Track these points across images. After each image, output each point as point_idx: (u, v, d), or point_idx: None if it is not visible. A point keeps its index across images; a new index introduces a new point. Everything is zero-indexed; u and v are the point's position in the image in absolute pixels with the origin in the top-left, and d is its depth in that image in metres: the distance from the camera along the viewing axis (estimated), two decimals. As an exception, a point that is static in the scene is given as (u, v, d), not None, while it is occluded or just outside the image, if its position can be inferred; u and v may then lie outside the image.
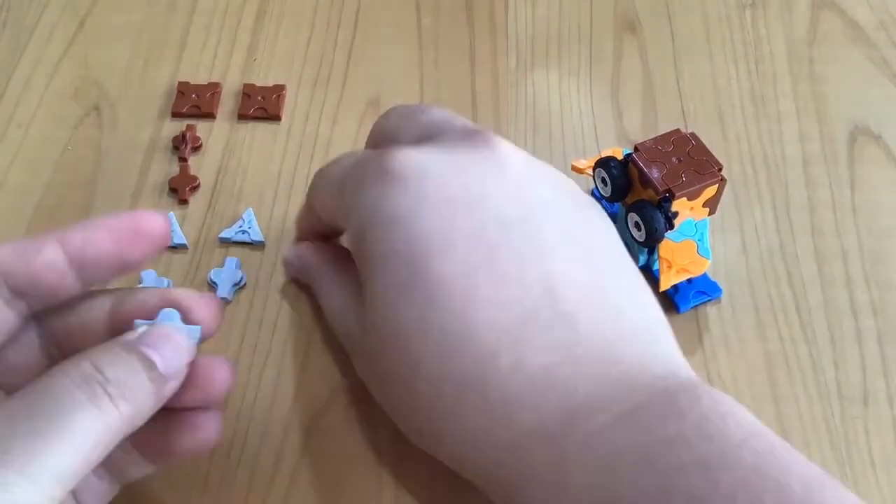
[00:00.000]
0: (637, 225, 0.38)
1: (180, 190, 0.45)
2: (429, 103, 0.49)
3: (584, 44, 0.52)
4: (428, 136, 0.34)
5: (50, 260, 0.29)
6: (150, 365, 0.27)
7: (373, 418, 0.37)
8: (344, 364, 0.39)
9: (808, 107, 0.48)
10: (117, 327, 0.30)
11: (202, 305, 0.31)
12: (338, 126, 0.48)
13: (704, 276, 0.41)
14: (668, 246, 0.39)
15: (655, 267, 0.40)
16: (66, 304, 0.31)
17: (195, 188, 0.45)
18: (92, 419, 0.25)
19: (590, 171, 0.42)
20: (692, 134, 0.39)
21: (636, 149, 0.39)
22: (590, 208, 0.34)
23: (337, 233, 0.40)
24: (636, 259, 0.40)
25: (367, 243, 0.31)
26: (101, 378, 0.26)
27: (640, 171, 0.38)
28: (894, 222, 0.44)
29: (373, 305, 0.31)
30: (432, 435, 0.31)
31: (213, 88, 0.49)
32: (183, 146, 0.46)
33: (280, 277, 0.42)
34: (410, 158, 0.32)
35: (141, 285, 0.41)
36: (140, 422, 0.27)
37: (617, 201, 0.40)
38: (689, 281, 0.41)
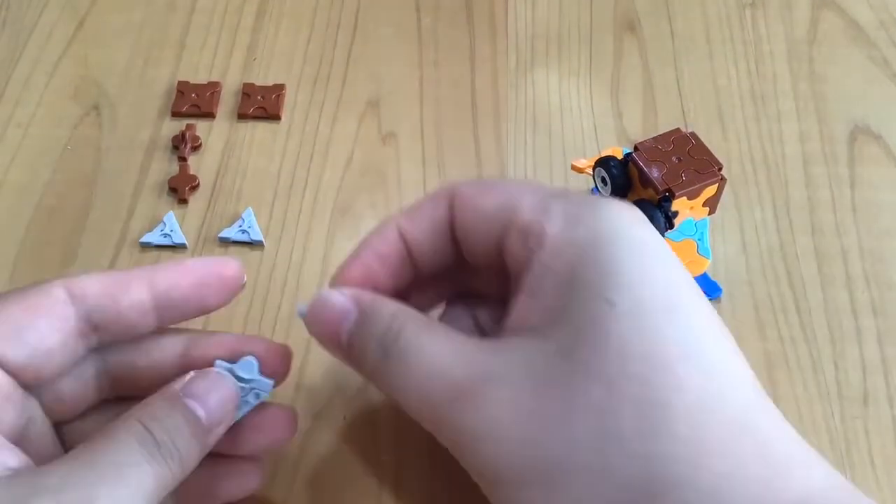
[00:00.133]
0: (637, 224, 0.38)
1: (180, 189, 0.45)
2: (429, 103, 0.49)
3: (584, 44, 0.51)
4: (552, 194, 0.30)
5: (136, 299, 0.29)
6: (194, 419, 0.27)
7: (373, 418, 0.37)
8: (344, 364, 0.39)
9: (808, 106, 0.48)
10: (187, 370, 0.30)
11: (277, 358, 0.31)
12: (337, 125, 0.48)
13: (704, 276, 0.41)
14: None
15: (655, 267, 0.40)
16: (135, 341, 0.31)
17: (195, 188, 0.45)
18: (148, 476, 0.26)
19: (590, 171, 0.42)
20: (692, 133, 0.39)
21: (636, 148, 0.39)
22: None
23: (432, 270, 0.32)
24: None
25: (604, 254, 0.26)
26: (153, 438, 0.26)
27: (640, 170, 0.38)
28: (894, 222, 0.44)
29: (605, 319, 0.26)
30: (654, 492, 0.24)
31: (213, 88, 0.49)
32: (182, 146, 0.46)
33: (279, 277, 0.42)
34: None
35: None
36: (187, 472, 0.27)
37: (617, 201, 0.40)
38: (689, 281, 0.41)
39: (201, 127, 0.48)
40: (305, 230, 0.44)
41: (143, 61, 0.51)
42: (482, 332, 0.33)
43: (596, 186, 0.41)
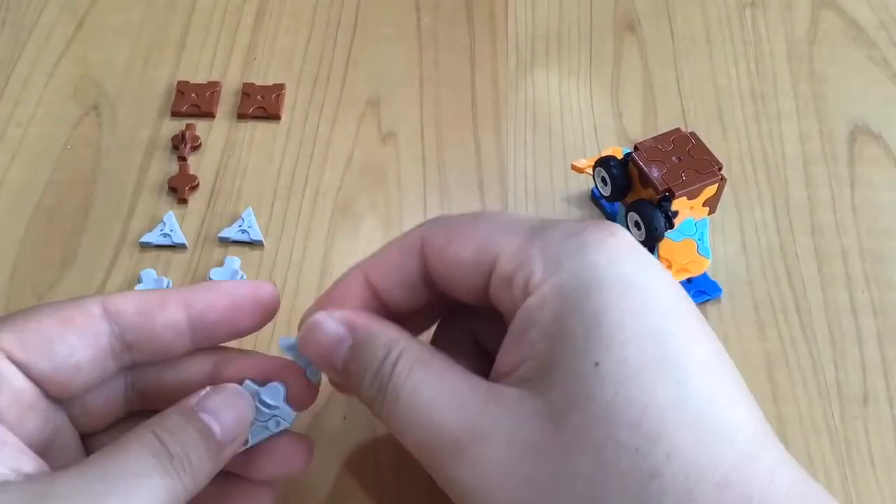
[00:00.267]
0: (637, 224, 0.38)
1: (179, 189, 0.45)
2: (429, 103, 0.49)
3: (584, 44, 0.51)
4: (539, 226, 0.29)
5: (172, 319, 0.29)
6: (208, 433, 0.27)
7: (372, 418, 0.37)
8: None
9: (809, 106, 0.48)
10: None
11: (304, 391, 0.30)
12: (337, 125, 0.48)
13: (704, 276, 0.41)
14: (668, 245, 0.39)
15: (655, 266, 0.40)
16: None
17: (194, 187, 0.45)
18: (160, 488, 0.25)
19: (590, 171, 0.42)
20: (692, 133, 0.39)
21: (636, 148, 0.38)
22: None
23: (414, 306, 0.31)
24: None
25: (588, 306, 0.26)
26: (167, 451, 0.26)
27: (640, 170, 0.38)
28: (894, 222, 0.44)
29: (590, 381, 0.25)
30: None
31: (213, 87, 0.49)
32: (182, 145, 0.46)
33: (279, 277, 0.42)
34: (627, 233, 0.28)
35: (140, 285, 0.41)
36: (200, 486, 0.27)
37: (617, 200, 0.40)
38: (689, 280, 0.41)
39: (201, 127, 0.47)
40: (305, 230, 0.44)
41: (143, 61, 0.51)
42: (480, 347, 0.33)
43: (596, 186, 0.41)
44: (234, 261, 0.42)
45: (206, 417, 0.27)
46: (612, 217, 0.43)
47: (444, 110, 0.48)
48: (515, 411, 0.26)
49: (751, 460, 0.25)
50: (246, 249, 0.43)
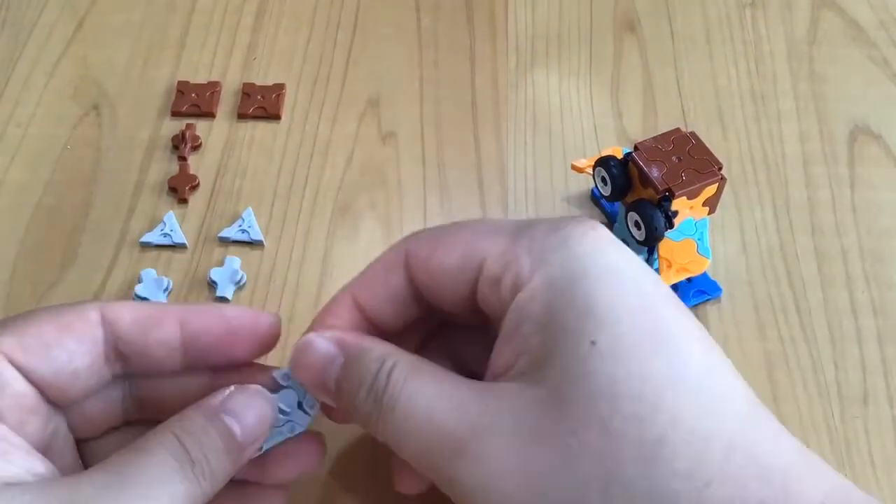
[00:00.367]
0: (637, 224, 0.38)
1: (180, 189, 0.45)
2: (429, 103, 0.49)
3: (584, 44, 0.51)
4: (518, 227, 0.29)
5: (165, 337, 0.29)
6: (229, 436, 0.27)
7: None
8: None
9: (808, 106, 0.48)
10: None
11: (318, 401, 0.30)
12: (337, 125, 0.48)
13: (704, 276, 0.41)
14: (668, 245, 0.39)
15: (655, 266, 0.40)
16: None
17: (195, 187, 0.45)
18: (179, 494, 0.25)
19: (590, 171, 0.42)
20: (692, 133, 0.39)
21: (636, 148, 0.38)
22: None
23: (401, 319, 0.31)
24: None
25: (578, 292, 0.26)
26: (188, 456, 0.26)
27: (640, 170, 0.38)
28: (894, 222, 0.44)
29: (589, 359, 0.25)
30: None
31: (213, 87, 0.49)
32: (182, 145, 0.46)
33: (279, 277, 0.42)
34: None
35: (140, 285, 0.41)
36: (217, 490, 0.27)
37: (617, 200, 0.40)
38: (689, 280, 0.41)
39: (201, 126, 0.47)
40: (305, 230, 0.44)
41: (143, 61, 0.51)
42: (464, 365, 0.32)
43: (596, 186, 0.41)
44: (235, 261, 0.42)
45: (228, 419, 0.27)
46: (612, 217, 0.43)
47: (444, 110, 0.48)
48: (515, 404, 0.26)
49: (753, 425, 0.25)
50: (246, 249, 0.43)
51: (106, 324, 0.29)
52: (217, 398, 0.28)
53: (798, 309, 0.41)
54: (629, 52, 0.51)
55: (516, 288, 0.27)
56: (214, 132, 0.48)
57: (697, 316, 0.41)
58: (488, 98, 0.49)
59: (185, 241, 0.43)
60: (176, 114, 0.48)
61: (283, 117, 0.48)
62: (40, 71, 0.50)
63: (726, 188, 0.39)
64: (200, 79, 0.49)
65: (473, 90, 0.49)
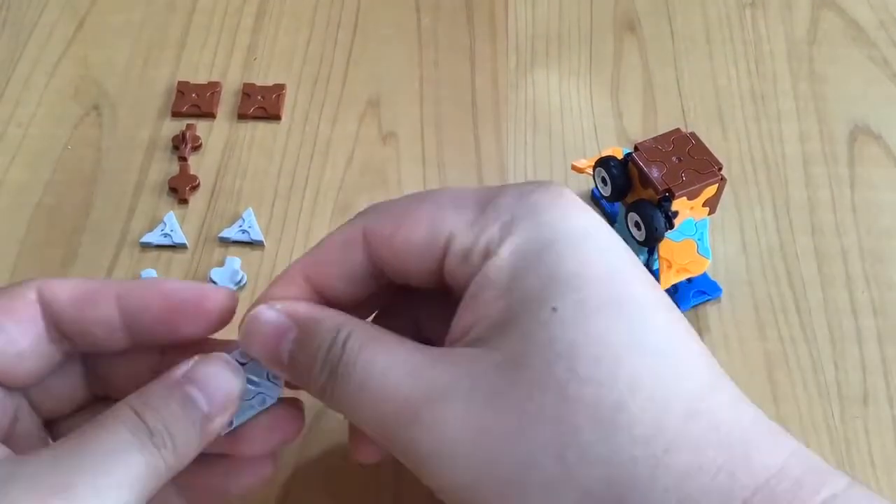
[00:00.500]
0: (637, 224, 0.38)
1: (180, 189, 0.45)
2: (429, 103, 0.49)
3: (584, 44, 0.51)
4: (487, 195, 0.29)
5: (103, 316, 0.28)
6: (192, 406, 0.26)
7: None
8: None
9: (808, 106, 0.48)
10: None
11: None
12: (338, 125, 0.48)
13: (704, 276, 0.41)
14: (668, 245, 0.39)
15: (655, 266, 0.40)
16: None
17: (195, 188, 0.45)
18: (138, 465, 0.24)
19: (590, 171, 0.42)
20: (692, 133, 0.39)
21: (636, 148, 0.38)
22: None
23: (359, 293, 0.30)
24: (636, 259, 0.39)
25: (545, 259, 0.26)
26: (146, 427, 0.25)
27: (640, 170, 0.38)
28: (894, 222, 0.44)
29: (549, 325, 0.25)
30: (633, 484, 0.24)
31: (213, 88, 0.49)
32: (183, 145, 0.46)
33: (280, 277, 0.42)
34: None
35: (140, 285, 0.41)
36: (185, 462, 0.26)
37: (617, 201, 0.40)
38: (689, 280, 0.41)
39: (201, 127, 0.48)
40: (306, 230, 0.44)
41: (143, 61, 0.51)
42: (422, 331, 0.32)
43: (596, 186, 0.41)
44: (235, 261, 0.42)
45: (191, 389, 0.26)
46: (612, 217, 0.43)
47: (444, 110, 0.48)
48: (472, 369, 0.25)
49: (713, 392, 0.25)
50: (246, 249, 0.43)
51: (44, 303, 0.28)
52: (180, 369, 0.27)
53: (798, 309, 0.41)
54: (629, 52, 0.51)
55: (483, 259, 0.27)
56: (215, 132, 0.48)
57: (697, 316, 0.41)
58: (488, 98, 0.49)
59: (186, 242, 0.43)
60: (176, 114, 0.48)
61: (284, 117, 0.48)
62: (41, 71, 0.50)
63: (726, 188, 0.39)
64: (201, 79, 0.49)
65: (473, 90, 0.49)
